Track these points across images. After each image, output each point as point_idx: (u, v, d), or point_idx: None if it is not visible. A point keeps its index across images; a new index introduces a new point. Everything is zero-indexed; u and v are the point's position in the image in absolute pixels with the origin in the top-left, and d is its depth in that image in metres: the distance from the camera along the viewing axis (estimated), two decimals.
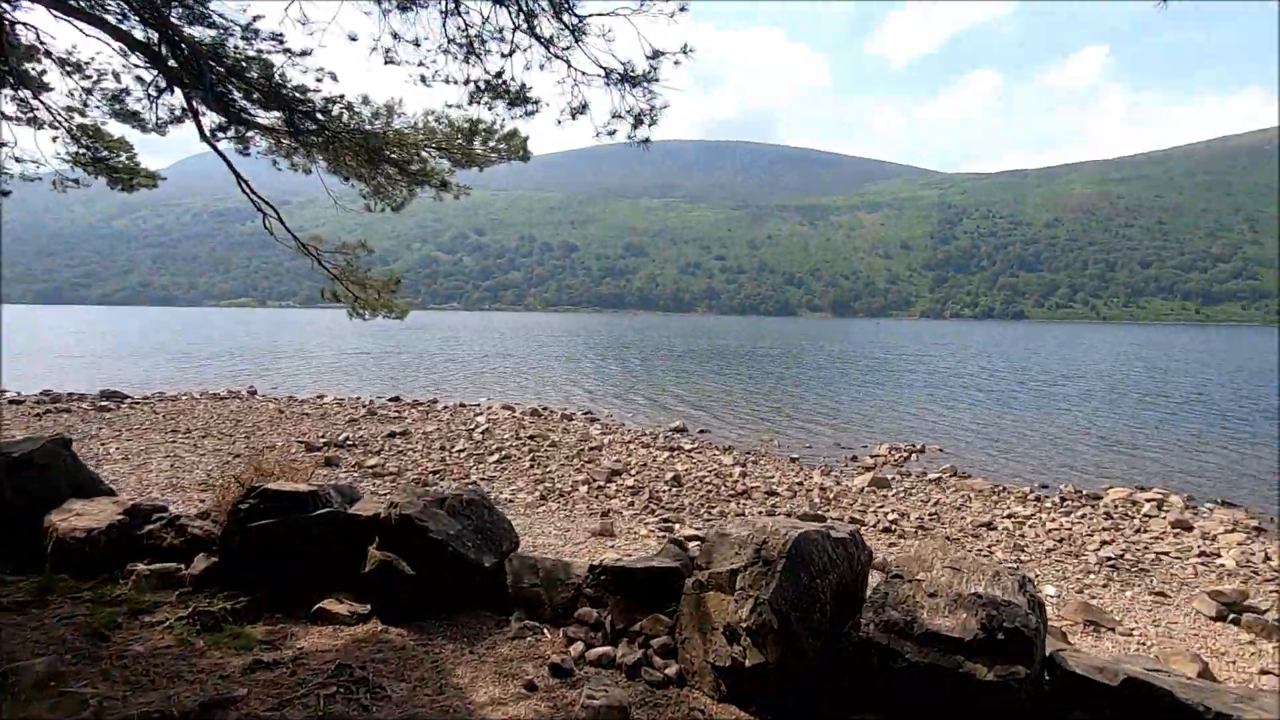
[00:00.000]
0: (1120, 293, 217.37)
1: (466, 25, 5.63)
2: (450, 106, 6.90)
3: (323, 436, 13.31)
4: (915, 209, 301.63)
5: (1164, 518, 9.97)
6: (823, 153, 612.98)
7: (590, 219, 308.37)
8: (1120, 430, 18.49)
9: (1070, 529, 9.26)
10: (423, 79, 5.89)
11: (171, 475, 9.75)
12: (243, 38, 5.96)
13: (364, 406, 18.13)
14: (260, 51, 6.06)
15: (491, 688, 3.71)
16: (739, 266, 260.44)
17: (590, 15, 5.28)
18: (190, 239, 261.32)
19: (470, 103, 6.33)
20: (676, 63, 5.45)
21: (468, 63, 5.87)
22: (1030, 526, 9.38)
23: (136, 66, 6.32)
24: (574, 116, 5.88)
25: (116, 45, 5.79)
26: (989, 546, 8.46)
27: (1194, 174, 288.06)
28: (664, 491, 10.43)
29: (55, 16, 5.53)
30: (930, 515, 9.74)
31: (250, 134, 6.73)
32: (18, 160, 7.54)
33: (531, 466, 11.66)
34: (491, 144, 7.12)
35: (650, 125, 5.89)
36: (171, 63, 5.71)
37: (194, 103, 6.12)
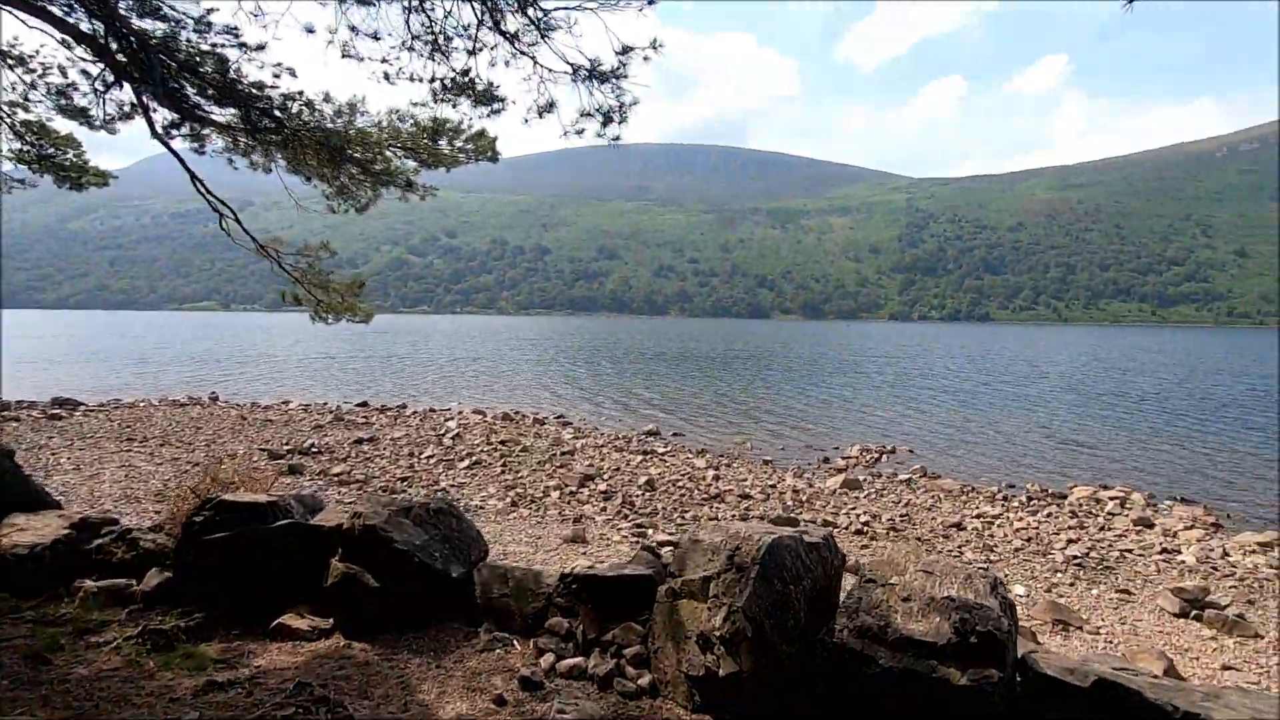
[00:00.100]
0: (1081, 295, 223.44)
1: (430, 21, 5.49)
2: (415, 105, 6.73)
3: (287, 443, 12.96)
4: (884, 213, 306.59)
5: (1126, 515, 10.19)
6: (792, 157, 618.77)
7: (562, 221, 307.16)
8: (1083, 430, 18.94)
9: (1037, 528, 9.40)
10: (386, 76, 5.72)
11: (125, 486, 9.39)
12: (195, 31, 5.73)
13: (331, 412, 17.73)
14: (215, 46, 5.83)
15: (459, 703, 3.59)
16: (711, 269, 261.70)
17: (556, 9, 5.17)
18: (150, 241, 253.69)
19: (435, 101, 6.18)
20: (646, 58, 5.36)
21: (432, 60, 5.73)
22: (999, 526, 9.50)
23: (82, 60, 6.06)
24: (541, 115, 5.76)
25: (60, 37, 5.53)
26: (959, 547, 8.54)
27: (1149, 180, 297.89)
28: (637, 496, 10.35)
29: None
30: (902, 516, 9.82)
31: (206, 132, 6.49)
32: None
33: (503, 472, 11.48)
34: (459, 144, 6.98)
35: (620, 123, 5.80)
36: (120, 56, 5.46)
37: (144, 98, 5.87)
